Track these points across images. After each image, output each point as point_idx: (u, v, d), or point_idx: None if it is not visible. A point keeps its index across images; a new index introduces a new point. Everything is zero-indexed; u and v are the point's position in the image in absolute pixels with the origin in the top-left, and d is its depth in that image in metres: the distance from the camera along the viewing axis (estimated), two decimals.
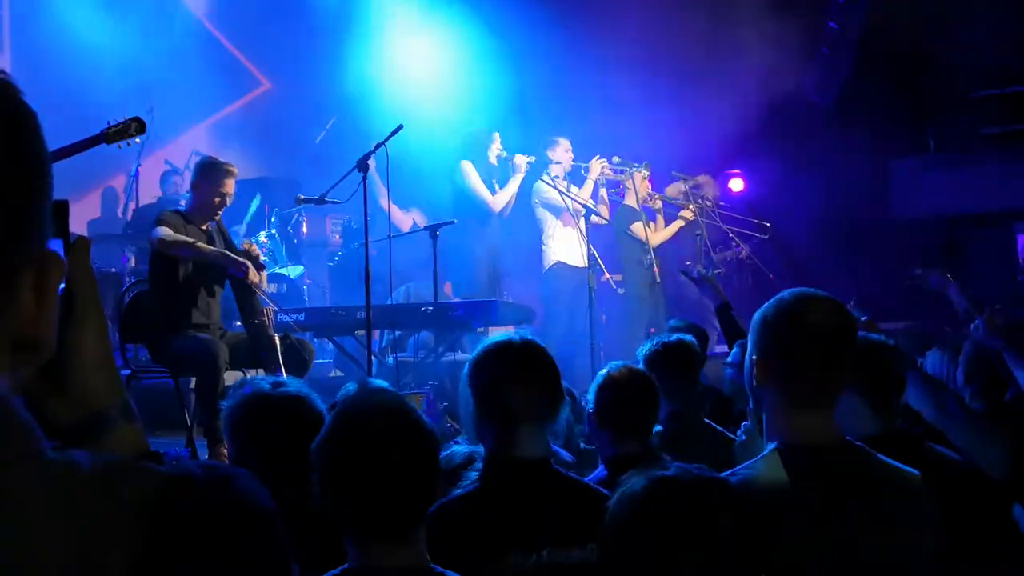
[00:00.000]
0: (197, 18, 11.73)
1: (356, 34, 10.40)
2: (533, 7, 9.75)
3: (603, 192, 8.82)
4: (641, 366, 3.73)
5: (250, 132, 11.11)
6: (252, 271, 5.80)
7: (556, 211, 8.38)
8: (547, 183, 8.26)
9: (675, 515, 1.73)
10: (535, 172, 8.30)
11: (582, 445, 4.37)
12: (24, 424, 0.87)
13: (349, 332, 7.20)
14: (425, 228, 7.19)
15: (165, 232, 5.71)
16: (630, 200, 8.88)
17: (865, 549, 2.20)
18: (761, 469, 2.25)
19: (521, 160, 8.21)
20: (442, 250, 7.00)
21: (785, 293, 2.34)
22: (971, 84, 10.25)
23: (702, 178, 9.46)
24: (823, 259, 9.74)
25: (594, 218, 8.36)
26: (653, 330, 7.89)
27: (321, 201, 6.34)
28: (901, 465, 2.34)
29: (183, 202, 6.53)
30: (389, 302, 7.73)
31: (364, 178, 6.10)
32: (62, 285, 0.94)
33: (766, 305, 2.34)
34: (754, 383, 2.33)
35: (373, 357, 6.22)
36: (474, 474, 2.68)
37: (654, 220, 9.10)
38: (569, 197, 8.18)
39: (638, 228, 8.78)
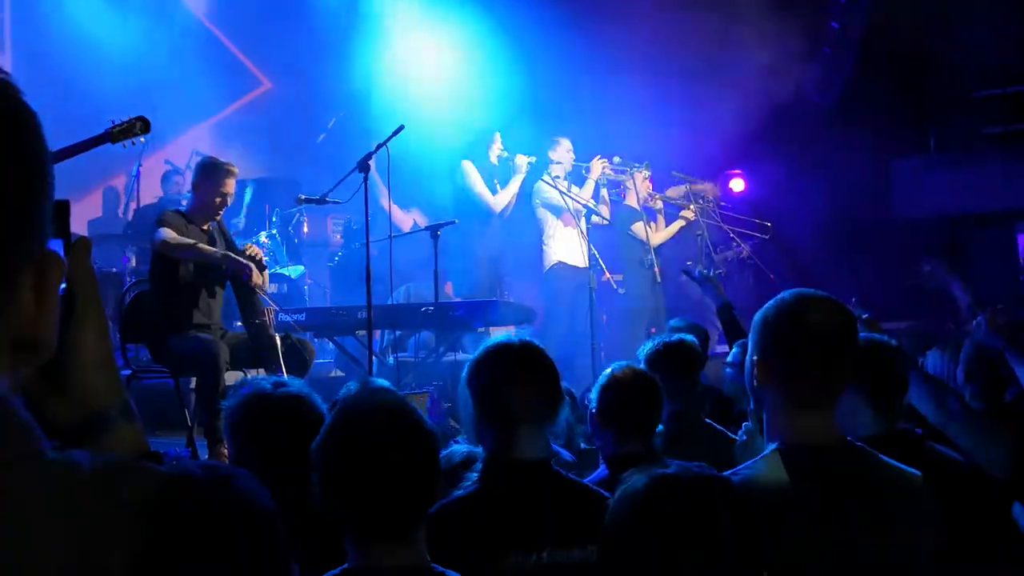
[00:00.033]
0: (197, 18, 11.73)
1: (356, 34, 10.39)
2: (533, 7, 9.75)
3: (604, 192, 8.83)
4: (642, 366, 3.73)
5: (251, 132, 11.11)
6: (256, 273, 5.80)
7: (557, 211, 8.38)
8: (548, 183, 8.26)
9: (676, 513, 1.73)
10: (536, 172, 8.30)
11: (583, 445, 4.38)
12: (24, 424, 0.87)
13: (350, 332, 7.20)
14: (426, 228, 7.19)
15: (168, 234, 5.71)
16: (631, 200, 8.89)
17: (865, 549, 2.20)
18: (762, 469, 2.25)
19: (522, 160, 8.21)
20: (443, 250, 7.00)
21: (786, 293, 2.34)
22: (973, 84, 10.25)
23: (705, 185, 9.47)
24: (825, 259, 9.74)
25: (595, 218, 8.36)
26: (654, 330, 7.89)
27: (322, 201, 6.34)
28: (902, 465, 2.34)
29: (184, 202, 6.53)
30: (390, 302, 7.73)
31: (365, 178, 6.10)
32: (63, 285, 0.94)
33: (767, 305, 2.34)
34: (755, 383, 2.33)
35: (374, 357, 6.22)
36: (474, 475, 2.68)
37: (655, 220, 9.10)
38: (570, 197, 8.18)
39: (639, 228, 8.78)
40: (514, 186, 8.25)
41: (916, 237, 10.06)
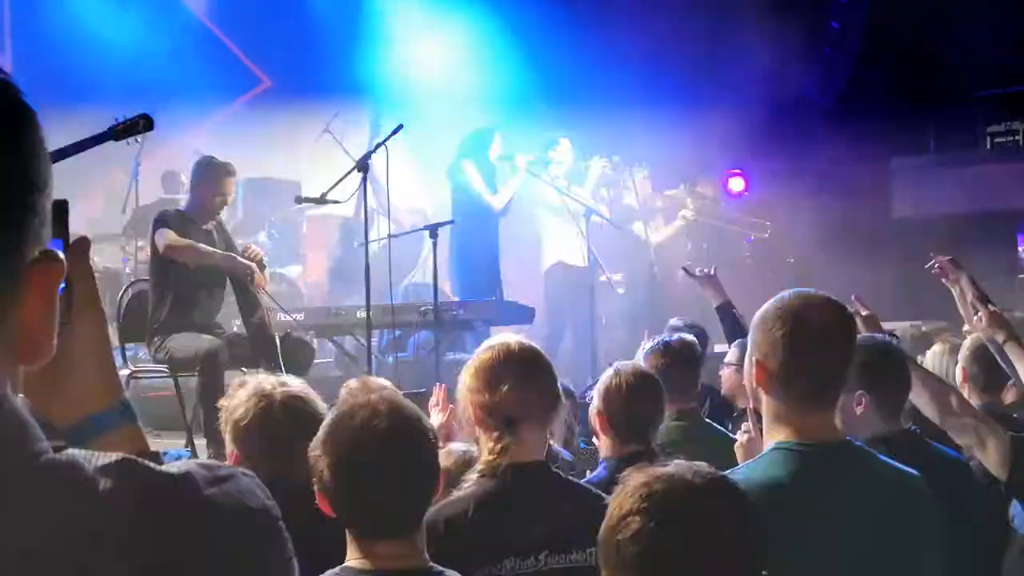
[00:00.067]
0: (196, 16, 11.72)
1: (357, 33, 10.39)
2: (533, 7, 9.75)
3: (603, 192, 8.82)
4: (643, 365, 3.73)
5: (250, 131, 11.09)
6: (258, 274, 5.80)
7: (556, 211, 8.38)
8: (547, 183, 8.26)
9: (676, 512, 1.73)
10: (536, 172, 8.29)
11: (582, 445, 4.38)
12: (24, 424, 0.87)
13: (349, 332, 7.20)
14: (425, 228, 7.18)
15: (171, 238, 5.70)
16: (630, 200, 8.89)
17: (864, 549, 2.20)
18: (760, 468, 2.25)
19: (521, 160, 8.21)
20: (442, 250, 7.00)
21: (785, 293, 2.34)
22: (973, 84, 10.25)
23: (707, 190, 9.50)
24: (824, 259, 9.73)
25: (594, 218, 8.37)
26: (652, 330, 7.89)
27: (321, 200, 6.34)
28: (901, 466, 2.34)
29: (183, 202, 6.52)
30: (389, 302, 7.73)
31: (364, 178, 6.10)
32: (62, 285, 0.94)
33: (766, 305, 2.34)
34: (754, 383, 2.33)
35: (373, 357, 6.22)
36: (473, 476, 2.67)
37: (654, 220, 9.10)
38: (569, 197, 8.18)
39: (638, 228, 8.79)
40: (513, 186, 8.24)
41: (915, 237, 10.06)
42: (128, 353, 6.49)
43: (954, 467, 3.02)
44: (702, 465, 1.83)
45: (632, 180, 8.82)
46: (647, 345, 4.16)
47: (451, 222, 7.19)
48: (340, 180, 6.27)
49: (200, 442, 5.73)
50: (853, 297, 3.78)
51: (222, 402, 2.93)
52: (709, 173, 9.88)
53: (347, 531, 2.13)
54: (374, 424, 2.11)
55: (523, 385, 2.65)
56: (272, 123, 10.92)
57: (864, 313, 3.71)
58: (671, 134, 9.17)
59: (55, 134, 1.03)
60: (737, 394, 4.69)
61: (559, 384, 2.76)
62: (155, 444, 1.17)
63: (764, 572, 1.76)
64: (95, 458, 0.88)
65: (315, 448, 2.14)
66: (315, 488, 2.13)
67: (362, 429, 2.11)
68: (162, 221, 5.82)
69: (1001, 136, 10.33)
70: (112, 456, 0.91)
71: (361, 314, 6.25)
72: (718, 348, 6.92)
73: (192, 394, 5.98)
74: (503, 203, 8.22)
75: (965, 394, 3.66)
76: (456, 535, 2.49)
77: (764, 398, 2.33)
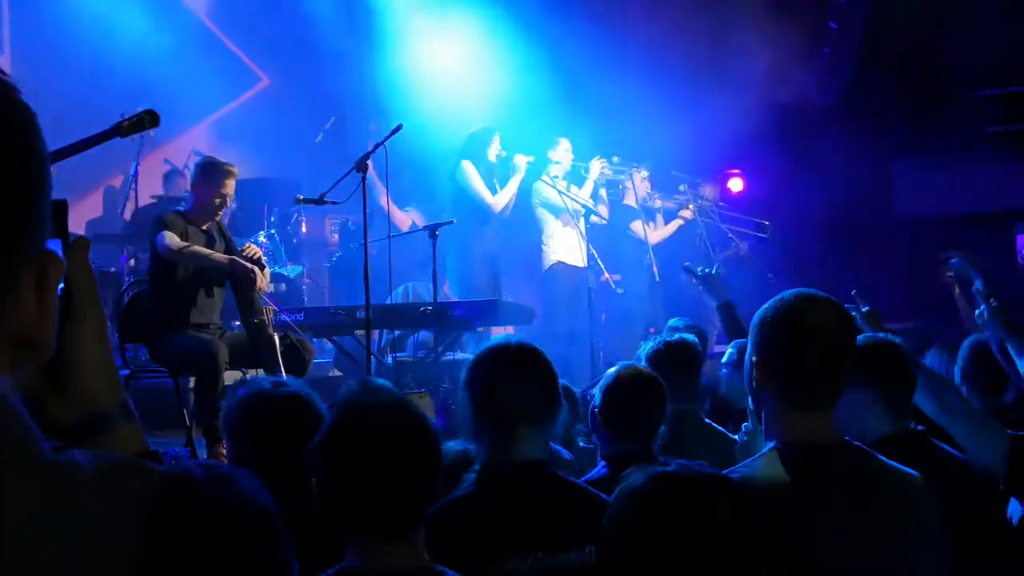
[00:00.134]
0: (195, 15, 11.73)
1: (356, 32, 10.39)
2: (533, 7, 9.75)
3: (603, 192, 8.83)
4: (643, 365, 3.73)
5: (249, 131, 11.10)
6: (260, 276, 5.80)
7: (556, 211, 8.38)
8: (547, 183, 8.26)
9: (676, 511, 1.73)
10: (535, 172, 8.30)
11: (581, 444, 4.38)
12: (24, 424, 0.87)
13: (348, 332, 7.20)
14: (424, 228, 7.18)
15: (172, 241, 5.70)
16: (629, 200, 8.89)
17: (862, 548, 2.20)
18: (759, 467, 2.25)
19: (521, 160, 8.21)
20: (441, 250, 7.00)
21: (785, 293, 2.34)
22: (973, 83, 10.25)
23: (705, 186, 9.49)
24: (824, 259, 9.75)
25: (593, 218, 8.37)
26: (652, 330, 7.89)
27: (320, 201, 6.33)
28: (901, 466, 2.34)
29: (183, 202, 6.52)
30: (388, 302, 7.73)
31: (363, 178, 6.10)
32: (61, 285, 0.93)
33: (766, 305, 2.34)
34: (754, 383, 2.33)
35: (372, 357, 6.22)
36: (472, 476, 2.67)
37: (653, 220, 9.11)
38: (569, 197, 8.18)
39: (637, 227, 8.80)
40: (513, 186, 8.24)
41: (916, 236, 10.07)
42: (128, 354, 6.49)
43: (960, 467, 3.02)
44: (702, 464, 1.83)
45: (631, 180, 8.82)
46: (647, 345, 4.16)
47: (451, 222, 7.19)
48: (339, 180, 6.27)
49: (199, 442, 5.73)
50: (853, 293, 3.79)
51: (221, 402, 2.93)
52: (709, 173, 9.88)
53: (347, 531, 2.13)
54: (374, 424, 2.11)
55: (523, 385, 2.65)
56: (272, 122, 10.93)
57: (864, 309, 3.71)
58: (670, 134, 9.18)
59: (53, 135, 1.03)
60: (735, 395, 4.69)
61: (559, 384, 2.76)
62: (154, 444, 1.17)
63: (764, 572, 1.76)
64: (95, 458, 0.88)
65: (314, 449, 2.14)
66: (314, 488, 2.13)
67: (363, 428, 2.11)
68: (162, 222, 5.81)
69: (1001, 135, 10.33)
70: (112, 456, 0.91)
71: (360, 314, 6.25)
72: (718, 348, 6.93)
73: (191, 394, 5.99)
74: (503, 203, 8.22)
75: (964, 394, 3.66)
76: (456, 535, 2.49)
77: (764, 398, 2.33)
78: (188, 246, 5.74)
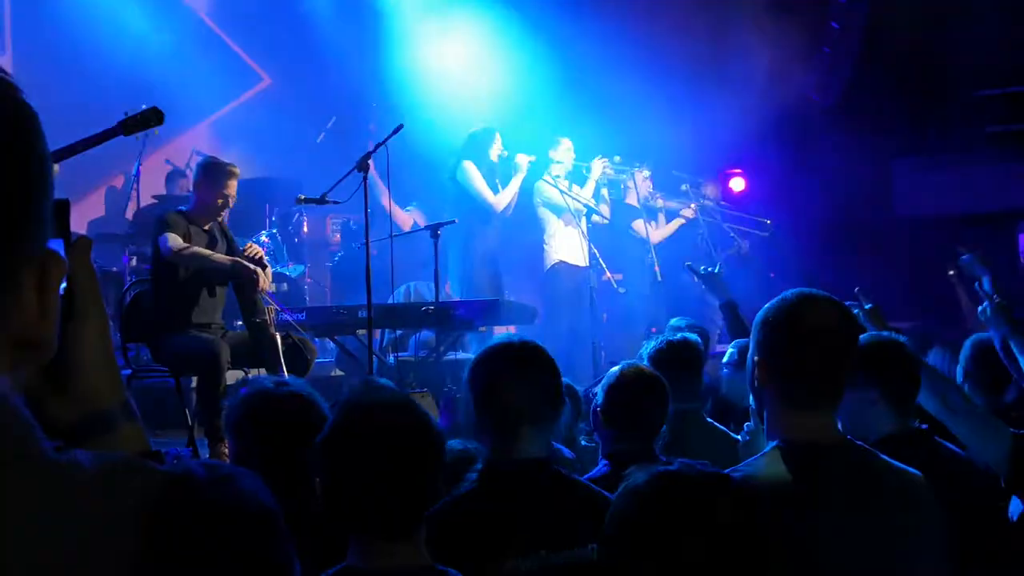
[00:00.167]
0: (196, 14, 11.73)
1: (357, 32, 10.39)
2: (534, 7, 9.75)
3: (604, 192, 8.83)
4: (645, 364, 3.73)
5: (250, 131, 11.10)
6: (263, 278, 5.79)
7: (557, 211, 8.38)
8: (548, 182, 8.26)
9: (679, 510, 1.73)
10: (537, 171, 8.30)
11: (583, 442, 4.38)
12: (25, 424, 0.87)
13: (350, 331, 7.20)
14: (426, 227, 7.18)
15: (175, 242, 5.69)
16: (631, 199, 8.89)
17: (863, 548, 2.20)
18: (761, 466, 2.25)
19: (522, 159, 8.21)
20: (443, 249, 7.00)
21: (787, 293, 2.34)
22: (973, 83, 10.25)
23: (709, 189, 9.50)
24: (825, 258, 9.73)
25: (595, 217, 8.37)
26: (654, 329, 7.90)
27: (321, 201, 6.33)
28: (903, 465, 2.34)
29: (186, 202, 6.51)
30: (390, 301, 7.73)
31: (364, 178, 6.10)
32: (63, 284, 0.93)
33: (768, 305, 2.34)
34: (756, 383, 2.33)
35: (374, 356, 6.22)
36: (474, 475, 2.67)
37: (655, 220, 9.11)
38: (570, 197, 8.18)
39: (639, 226, 8.80)
40: (515, 185, 8.24)
41: (916, 236, 10.06)
42: (130, 353, 6.49)
43: (964, 466, 3.02)
44: (704, 464, 1.83)
45: (632, 180, 8.82)
46: (649, 344, 4.16)
47: (453, 221, 7.19)
48: (341, 180, 6.27)
49: (201, 441, 5.73)
50: (856, 290, 3.79)
51: (223, 402, 2.92)
52: (710, 173, 9.88)
53: (349, 529, 2.13)
54: (377, 423, 2.11)
55: (526, 383, 2.65)
56: (273, 122, 10.93)
57: (867, 306, 3.71)
58: (671, 133, 9.18)
59: (54, 135, 1.03)
60: (735, 395, 4.69)
61: (562, 382, 2.76)
62: (156, 444, 1.17)
63: (765, 570, 1.76)
64: (96, 458, 0.88)
65: (317, 448, 2.14)
66: (317, 488, 2.13)
67: (366, 427, 2.11)
68: (164, 223, 5.80)
69: (1001, 135, 10.33)
70: (113, 456, 0.91)
71: (362, 313, 6.26)
72: (719, 348, 6.93)
73: (193, 393, 5.99)
74: (505, 203, 8.22)
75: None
76: (458, 533, 2.49)
77: (765, 398, 2.33)
78: (190, 247, 5.74)
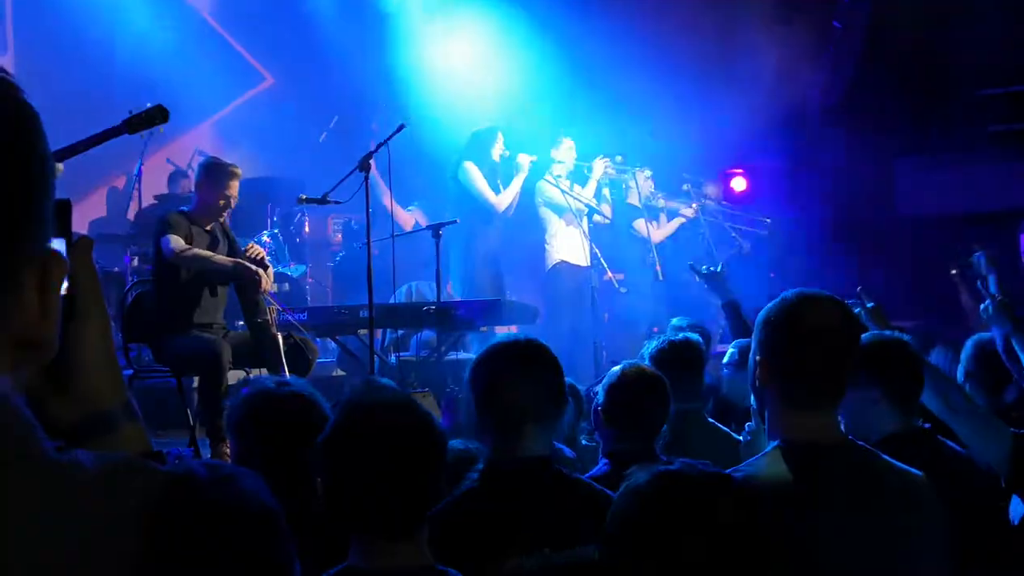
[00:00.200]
0: (199, 13, 11.73)
1: (360, 32, 10.39)
2: (536, 6, 9.75)
3: (606, 191, 8.83)
4: (647, 364, 3.73)
5: (252, 130, 11.10)
6: (265, 279, 5.79)
7: (559, 210, 8.38)
8: (550, 182, 8.26)
9: (680, 509, 1.73)
10: (538, 171, 8.29)
11: (584, 441, 4.38)
12: (26, 424, 0.87)
13: (352, 331, 7.20)
14: (428, 227, 7.18)
15: (177, 244, 5.69)
16: (632, 199, 8.89)
17: (864, 548, 2.20)
18: (762, 466, 2.25)
19: (524, 159, 8.21)
20: (445, 249, 7.00)
21: (788, 293, 2.34)
22: (976, 82, 10.24)
23: (711, 189, 9.50)
24: (827, 258, 9.72)
25: (597, 217, 8.37)
26: (656, 329, 7.89)
27: (323, 201, 6.33)
28: (905, 466, 2.34)
29: (188, 202, 6.51)
30: (392, 301, 7.74)
31: (366, 178, 6.10)
32: (65, 284, 0.93)
33: (769, 305, 2.34)
34: (757, 383, 2.33)
35: (376, 356, 6.23)
36: (475, 474, 2.67)
37: (656, 220, 9.11)
38: (572, 196, 8.18)
39: (640, 226, 8.80)
40: (516, 185, 8.23)
41: (919, 236, 10.06)
42: (131, 354, 6.49)
43: (967, 466, 3.02)
44: (706, 463, 1.83)
45: (634, 179, 8.82)
46: (651, 344, 4.16)
47: (454, 221, 7.19)
48: (343, 180, 6.27)
49: (202, 441, 5.73)
50: (858, 289, 3.78)
51: (225, 402, 2.92)
52: (711, 172, 9.88)
53: (351, 529, 2.13)
54: (379, 423, 2.11)
55: (528, 381, 2.65)
56: (275, 121, 10.94)
57: (869, 305, 3.71)
58: (672, 133, 9.17)
59: (56, 134, 1.03)
60: (736, 395, 4.69)
61: (564, 380, 2.76)
62: (157, 444, 1.17)
63: (767, 569, 1.76)
64: (98, 458, 0.88)
65: (319, 448, 2.14)
66: (319, 488, 2.13)
67: (368, 427, 2.11)
68: (166, 223, 5.80)
69: (1004, 135, 10.32)
70: (115, 456, 0.91)
71: (364, 313, 6.26)
72: (721, 348, 6.93)
73: (194, 393, 5.99)
74: (506, 203, 8.21)
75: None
76: (459, 533, 2.49)
77: (767, 398, 2.33)
78: (191, 249, 5.74)
